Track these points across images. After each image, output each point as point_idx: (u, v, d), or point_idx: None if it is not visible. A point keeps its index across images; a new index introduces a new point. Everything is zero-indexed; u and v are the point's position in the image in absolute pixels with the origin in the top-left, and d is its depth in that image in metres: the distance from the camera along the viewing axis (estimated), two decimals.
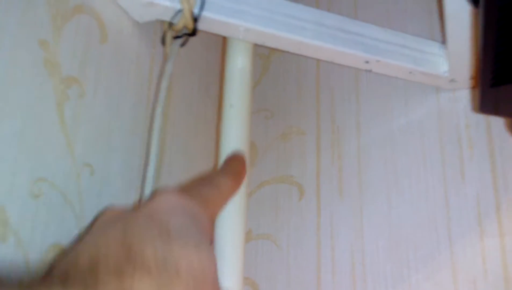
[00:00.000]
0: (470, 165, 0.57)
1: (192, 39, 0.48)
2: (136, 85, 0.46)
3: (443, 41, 0.58)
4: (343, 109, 0.65)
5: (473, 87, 0.58)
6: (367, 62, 0.54)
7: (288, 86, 0.70)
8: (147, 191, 0.41)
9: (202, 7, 0.46)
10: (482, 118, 0.58)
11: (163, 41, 0.48)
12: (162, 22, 0.49)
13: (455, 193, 0.56)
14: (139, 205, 0.36)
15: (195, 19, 0.46)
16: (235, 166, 0.42)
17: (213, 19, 0.47)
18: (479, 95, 0.37)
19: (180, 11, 0.46)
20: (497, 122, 0.57)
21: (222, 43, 0.66)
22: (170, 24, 0.47)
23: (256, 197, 0.66)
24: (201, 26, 0.47)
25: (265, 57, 0.73)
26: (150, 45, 0.49)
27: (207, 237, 0.30)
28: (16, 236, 0.31)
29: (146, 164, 0.44)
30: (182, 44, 0.47)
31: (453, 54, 0.54)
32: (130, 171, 0.44)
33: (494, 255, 0.52)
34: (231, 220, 0.45)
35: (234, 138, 0.48)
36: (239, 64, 0.51)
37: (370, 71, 0.57)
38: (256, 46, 0.54)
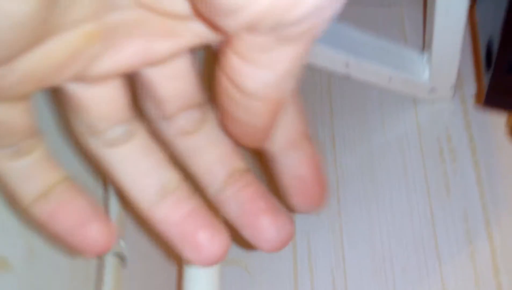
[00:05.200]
0: (455, 180, 0.53)
1: None
2: None
3: (423, 48, 0.55)
4: (316, 121, 0.60)
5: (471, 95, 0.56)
6: (347, 65, 0.50)
7: None
8: None
9: None
10: (463, 130, 0.55)
11: None
12: None
13: (441, 209, 0.52)
14: None
15: None
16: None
17: None
18: (488, 86, 0.33)
19: None
20: (480, 134, 0.54)
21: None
22: None
23: None
24: None
25: None
26: None
27: None
28: None
29: None
30: None
31: (437, 59, 0.50)
32: None
33: (487, 276, 0.48)
34: None
35: None
36: None
37: (348, 78, 0.52)
38: None
